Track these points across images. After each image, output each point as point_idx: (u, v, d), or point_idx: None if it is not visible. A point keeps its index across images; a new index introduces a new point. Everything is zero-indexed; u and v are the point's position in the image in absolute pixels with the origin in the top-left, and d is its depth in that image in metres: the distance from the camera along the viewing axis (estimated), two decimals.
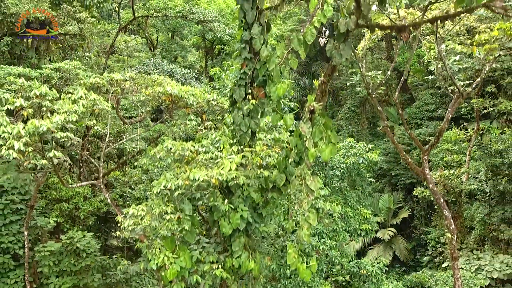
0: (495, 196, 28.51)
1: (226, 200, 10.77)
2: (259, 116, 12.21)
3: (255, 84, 12.14)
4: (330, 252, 17.15)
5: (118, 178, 24.91)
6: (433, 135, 38.86)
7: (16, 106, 12.65)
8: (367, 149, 21.22)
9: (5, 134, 11.60)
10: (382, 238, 36.58)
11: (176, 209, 10.90)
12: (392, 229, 37.45)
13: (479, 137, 30.62)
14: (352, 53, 19.26)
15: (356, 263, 19.61)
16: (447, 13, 18.67)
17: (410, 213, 38.08)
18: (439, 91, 39.29)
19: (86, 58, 21.88)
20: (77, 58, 22.28)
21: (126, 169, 24.74)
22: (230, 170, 10.85)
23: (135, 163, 20.76)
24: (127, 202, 24.51)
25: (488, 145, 28.69)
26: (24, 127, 12.02)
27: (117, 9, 25.48)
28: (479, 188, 29.39)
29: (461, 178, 29.20)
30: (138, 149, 21.25)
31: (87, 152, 22.60)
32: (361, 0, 8.94)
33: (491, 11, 8.54)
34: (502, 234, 27.72)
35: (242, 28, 11.96)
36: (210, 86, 22.52)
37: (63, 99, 13.70)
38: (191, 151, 11.39)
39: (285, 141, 14.71)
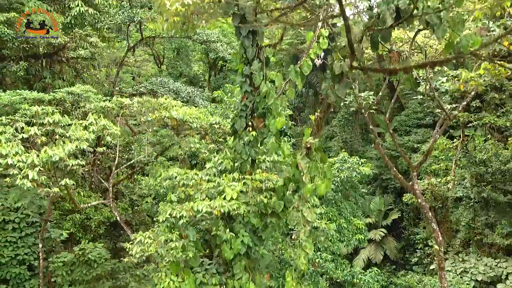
0: (479, 202, 28.40)
1: (228, 230, 10.67)
2: (259, 145, 12.15)
3: (255, 115, 12.08)
4: (325, 265, 17.07)
5: (127, 185, 24.82)
6: (421, 142, 38.76)
7: (31, 134, 12.54)
8: (360, 162, 21.11)
9: (20, 164, 11.47)
10: (373, 238, 36.48)
11: (181, 236, 10.83)
12: (383, 229, 37.37)
13: (465, 147, 30.46)
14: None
15: (349, 271, 19.54)
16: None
17: (400, 215, 37.96)
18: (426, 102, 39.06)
19: (97, 77, 21.77)
20: (88, 76, 22.14)
21: (135, 176, 24.66)
22: (231, 199, 10.78)
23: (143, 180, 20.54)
24: (136, 208, 24.44)
25: (472, 154, 28.58)
26: (38, 155, 11.91)
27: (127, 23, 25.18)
28: (464, 194, 29.28)
29: (447, 186, 29.07)
30: (146, 155, 21.05)
31: (99, 162, 22.55)
32: (355, 46, 8.81)
33: (478, 59, 8.43)
34: (486, 238, 27.60)
35: (243, 63, 11.88)
36: (213, 105, 22.39)
37: (75, 124, 13.60)
38: (195, 180, 11.28)
39: (283, 162, 14.62)
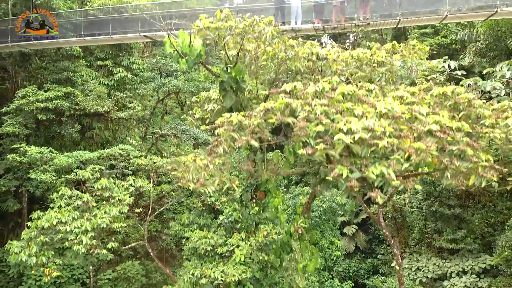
0: (429, 212, 28.37)
1: None
2: (261, 212, 12.12)
3: (258, 188, 12.04)
4: (312, 285, 17.13)
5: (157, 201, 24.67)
6: None
7: (83, 200, 12.51)
8: (339, 193, 21.08)
9: (76, 230, 11.45)
10: (347, 233, 36.60)
11: None
12: (355, 226, 37.44)
13: None
14: None
15: (330, 283, 19.57)
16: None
17: (368, 214, 38.00)
18: None
19: (134, 123, 21.70)
20: (128, 123, 21.92)
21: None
22: (240, 261, 10.80)
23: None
24: (164, 216, 24.23)
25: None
26: (89, 220, 11.88)
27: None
28: (417, 206, 29.28)
29: (405, 201, 29.09)
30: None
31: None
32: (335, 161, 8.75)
33: (432, 177, 8.36)
34: (434, 241, 27.62)
35: (249, 150, 11.82)
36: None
37: (118, 186, 13.57)
38: (212, 246, 11.26)
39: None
